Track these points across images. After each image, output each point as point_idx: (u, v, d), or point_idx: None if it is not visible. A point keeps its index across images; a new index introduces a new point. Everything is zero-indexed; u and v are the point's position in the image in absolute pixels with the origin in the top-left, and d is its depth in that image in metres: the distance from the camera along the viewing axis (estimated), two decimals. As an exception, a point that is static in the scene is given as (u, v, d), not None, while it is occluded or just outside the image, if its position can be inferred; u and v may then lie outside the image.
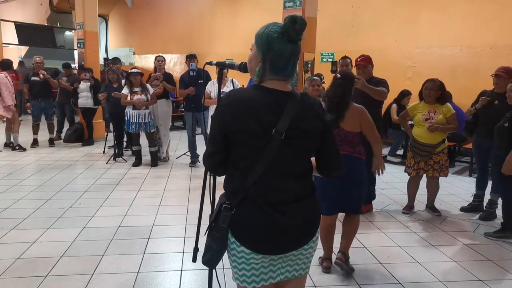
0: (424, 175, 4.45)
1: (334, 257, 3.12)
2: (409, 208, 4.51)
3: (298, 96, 1.47)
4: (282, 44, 1.41)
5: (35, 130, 7.74)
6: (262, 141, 1.42)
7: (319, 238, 1.66)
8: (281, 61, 1.43)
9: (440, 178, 4.44)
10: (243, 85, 6.34)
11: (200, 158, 4.86)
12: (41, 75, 7.46)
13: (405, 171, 4.52)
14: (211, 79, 6.37)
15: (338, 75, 3.16)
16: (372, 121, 3.10)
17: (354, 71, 5.01)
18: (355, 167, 2.96)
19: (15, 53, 15.44)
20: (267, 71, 1.45)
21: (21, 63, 12.91)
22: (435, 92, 4.21)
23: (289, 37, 1.40)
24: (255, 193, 1.45)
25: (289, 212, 1.47)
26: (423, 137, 4.28)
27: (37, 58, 7.75)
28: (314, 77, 4.41)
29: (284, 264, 1.55)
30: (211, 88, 5.87)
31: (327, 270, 3.08)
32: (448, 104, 4.33)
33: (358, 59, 4.46)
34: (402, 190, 4.98)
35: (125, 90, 6.18)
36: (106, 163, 6.53)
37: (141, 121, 6.12)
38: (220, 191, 1.62)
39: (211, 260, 1.56)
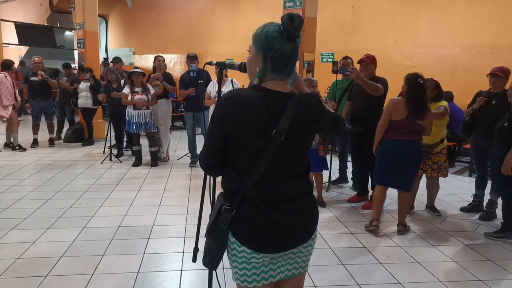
0: (424, 175, 4.45)
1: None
2: (409, 208, 4.50)
3: (297, 97, 1.47)
4: (282, 43, 1.41)
5: (35, 130, 7.74)
6: (262, 143, 1.42)
7: (317, 236, 1.67)
8: (282, 59, 1.43)
9: (440, 178, 4.44)
10: (243, 85, 6.34)
11: (200, 158, 4.93)
12: (39, 76, 7.46)
13: None
14: (211, 79, 6.38)
15: (421, 81, 3.67)
16: (432, 119, 3.85)
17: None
18: (417, 150, 3.76)
19: (15, 53, 15.44)
20: (268, 71, 1.45)
21: (22, 63, 12.91)
22: (431, 91, 4.21)
23: (288, 34, 1.40)
24: (255, 194, 1.45)
25: (289, 212, 1.48)
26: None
27: (36, 58, 7.74)
28: (312, 78, 4.47)
29: (284, 263, 1.56)
30: (211, 89, 5.87)
31: (375, 227, 3.88)
32: (443, 101, 4.33)
33: (364, 56, 4.63)
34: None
35: (126, 90, 6.19)
36: (101, 163, 6.53)
37: (141, 121, 6.13)
38: (220, 191, 1.62)
39: (212, 262, 1.56)
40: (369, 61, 4.56)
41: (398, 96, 3.99)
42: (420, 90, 3.67)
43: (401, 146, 3.74)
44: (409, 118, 3.70)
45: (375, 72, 4.63)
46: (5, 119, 7.39)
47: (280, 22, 1.42)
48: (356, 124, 4.57)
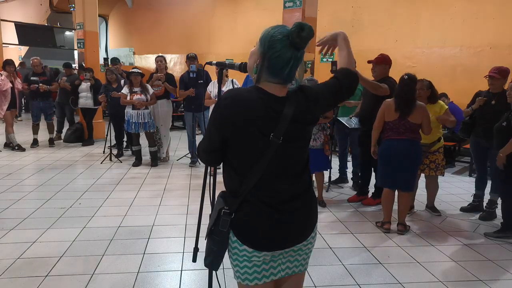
0: (423, 175, 4.46)
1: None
2: (409, 208, 4.51)
3: (294, 100, 1.47)
4: (283, 47, 1.40)
5: (35, 130, 7.74)
6: (261, 144, 1.43)
7: (317, 236, 1.67)
8: (278, 63, 1.42)
9: (440, 178, 4.45)
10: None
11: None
12: (41, 89, 7.44)
13: None
14: (211, 79, 6.38)
15: (405, 76, 3.76)
16: (430, 117, 3.85)
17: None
18: (415, 149, 3.80)
19: (15, 53, 15.44)
20: (264, 71, 1.45)
21: (21, 63, 12.89)
22: (425, 92, 4.22)
23: (292, 42, 1.40)
24: (255, 195, 1.46)
25: (289, 210, 1.49)
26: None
27: (35, 60, 7.74)
28: (314, 78, 4.50)
29: (285, 260, 1.57)
30: (212, 88, 5.87)
31: (387, 230, 3.91)
32: (440, 101, 4.35)
33: (376, 57, 4.62)
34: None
35: (124, 90, 6.19)
36: (101, 163, 6.53)
37: (140, 121, 6.12)
38: (220, 191, 1.62)
39: (213, 263, 1.57)
40: (375, 62, 4.53)
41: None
42: (404, 84, 3.75)
43: (399, 145, 3.78)
44: (401, 118, 3.76)
45: (388, 73, 4.54)
46: (2, 119, 7.38)
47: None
48: (364, 123, 4.58)
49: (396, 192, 3.97)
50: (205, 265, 1.60)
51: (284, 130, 1.42)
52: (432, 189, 4.51)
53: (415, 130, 3.78)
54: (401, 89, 3.78)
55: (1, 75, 7.04)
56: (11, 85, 7.10)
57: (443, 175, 4.53)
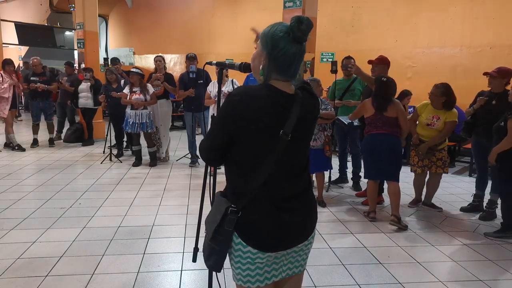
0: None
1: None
2: (415, 202, 4.58)
3: (300, 97, 1.48)
4: (286, 43, 1.40)
5: (35, 130, 7.74)
6: (269, 142, 1.42)
7: (317, 236, 1.68)
8: (285, 60, 1.42)
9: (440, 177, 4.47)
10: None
11: (200, 160, 4.98)
12: (39, 89, 7.45)
13: (411, 170, 4.60)
14: (211, 80, 6.37)
15: (384, 79, 4.04)
16: (404, 112, 4.19)
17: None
18: (393, 142, 4.04)
19: (15, 53, 15.44)
20: (272, 71, 1.45)
21: (26, 64, 12.89)
22: (438, 98, 4.23)
23: (294, 36, 1.40)
24: (262, 194, 1.45)
25: (291, 209, 1.50)
26: (426, 136, 4.37)
27: (34, 60, 7.73)
28: (317, 78, 4.55)
29: (286, 262, 1.57)
30: (211, 88, 5.87)
31: (373, 219, 4.18)
32: (454, 110, 4.32)
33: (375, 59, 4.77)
34: (401, 191, 4.97)
35: (126, 90, 6.19)
36: (101, 163, 6.53)
37: (138, 121, 6.11)
38: (218, 191, 1.61)
39: (216, 264, 1.54)
40: (375, 62, 4.64)
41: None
42: (383, 86, 4.02)
43: (379, 139, 4.04)
44: (376, 113, 4.05)
45: (387, 73, 4.58)
46: (3, 119, 7.38)
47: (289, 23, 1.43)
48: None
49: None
50: (208, 266, 1.58)
51: (292, 127, 1.42)
52: (435, 186, 4.57)
53: (392, 124, 4.04)
54: (380, 89, 4.04)
55: (4, 82, 7.01)
56: (10, 96, 7.10)
57: (447, 172, 4.60)
